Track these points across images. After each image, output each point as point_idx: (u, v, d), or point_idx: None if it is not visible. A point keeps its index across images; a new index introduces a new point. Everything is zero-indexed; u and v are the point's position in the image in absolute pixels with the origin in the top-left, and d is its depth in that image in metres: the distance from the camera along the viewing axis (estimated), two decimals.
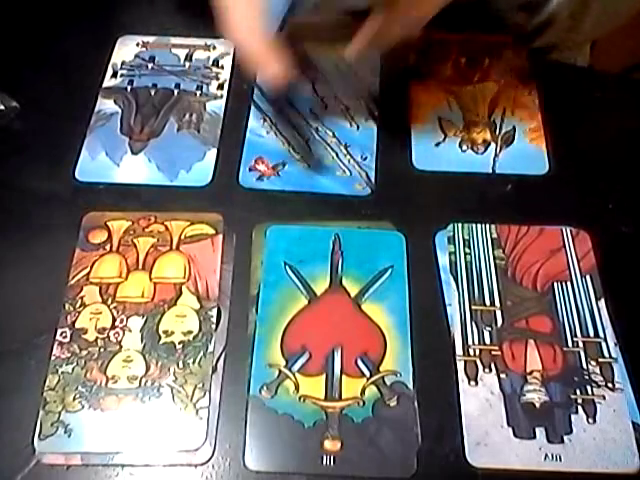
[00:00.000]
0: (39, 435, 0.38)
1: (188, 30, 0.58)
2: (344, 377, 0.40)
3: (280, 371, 0.40)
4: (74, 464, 0.38)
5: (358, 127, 0.52)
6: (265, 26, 0.41)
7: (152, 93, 0.54)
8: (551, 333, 0.42)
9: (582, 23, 0.57)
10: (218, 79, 0.55)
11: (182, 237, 0.46)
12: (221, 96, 0.54)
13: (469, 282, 0.44)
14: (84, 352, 0.41)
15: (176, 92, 0.54)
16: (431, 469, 0.38)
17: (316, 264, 0.45)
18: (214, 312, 0.43)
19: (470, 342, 0.42)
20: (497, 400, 0.40)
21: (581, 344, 0.42)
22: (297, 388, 0.40)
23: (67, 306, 0.43)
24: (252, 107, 0.53)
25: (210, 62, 0.56)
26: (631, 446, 0.38)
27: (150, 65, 0.56)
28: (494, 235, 0.46)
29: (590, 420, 0.39)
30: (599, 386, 0.40)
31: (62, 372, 0.40)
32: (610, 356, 0.41)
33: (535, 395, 0.40)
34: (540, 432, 0.39)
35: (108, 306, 0.43)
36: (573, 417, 0.39)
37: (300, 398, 0.40)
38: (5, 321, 0.43)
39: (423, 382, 0.40)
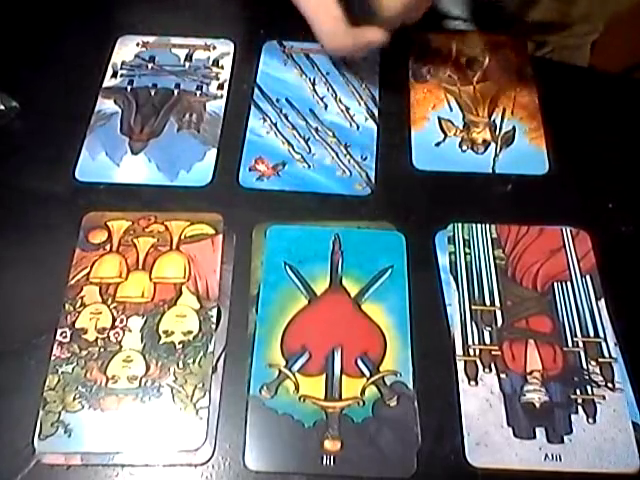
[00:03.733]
0: (39, 435, 0.38)
1: (188, 30, 0.58)
2: (344, 377, 0.40)
3: (280, 371, 0.40)
4: (74, 464, 0.38)
5: (358, 127, 0.52)
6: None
7: (152, 93, 0.54)
8: (551, 333, 0.42)
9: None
10: (218, 79, 0.55)
11: (182, 237, 0.46)
12: (221, 96, 0.54)
13: (469, 282, 0.44)
14: (84, 352, 0.41)
15: (176, 92, 0.54)
16: (431, 469, 0.38)
17: (316, 264, 0.45)
18: (214, 312, 0.43)
19: (470, 342, 0.42)
20: (497, 400, 0.40)
21: (581, 344, 0.42)
22: (297, 388, 0.40)
23: (67, 306, 0.43)
24: (252, 107, 0.53)
25: (210, 62, 0.56)
26: (631, 446, 0.38)
27: (150, 65, 0.56)
28: (494, 235, 0.46)
29: (590, 420, 0.39)
30: (599, 386, 0.40)
31: (62, 372, 0.40)
32: (610, 356, 0.41)
33: (535, 395, 0.40)
34: (540, 432, 0.39)
35: (108, 306, 0.43)
36: (573, 417, 0.39)
37: (300, 398, 0.40)
38: (5, 321, 0.43)
39: (423, 382, 0.40)
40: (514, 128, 0.52)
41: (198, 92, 0.54)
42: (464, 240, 0.46)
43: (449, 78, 0.55)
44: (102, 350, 0.41)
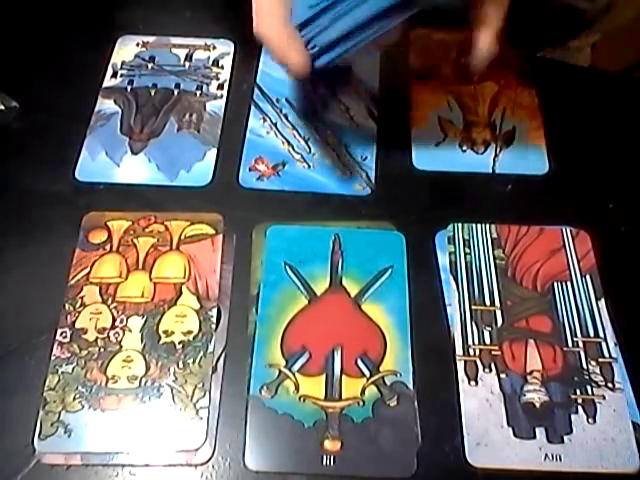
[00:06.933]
0: (39, 435, 0.38)
1: (188, 30, 0.58)
2: (344, 377, 0.40)
3: (280, 371, 0.40)
4: (74, 464, 0.38)
5: (358, 127, 0.52)
6: (289, 18, 0.41)
7: (152, 93, 0.54)
8: (551, 333, 0.42)
9: (628, 5, 0.57)
10: (218, 79, 0.55)
11: (182, 237, 0.46)
12: (221, 96, 0.54)
13: (469, 282, 0.44)
14: (84, 352, 0.41)
15: (176, 92, 0.54)
16: (431, 469, 0.38)
17: (316, 264, 0.45)
18: (214, 312, 0.43)
19: (470, 342, 0.42)
20: (497, 400, 0.40)
21: (581, 344, 0.42)
22: (297, 388, 0.40)
23: (67, 306, 0.43)
24: (252, 107, 0.53)
25: (210, 62, 0.56)
26: (631, 446, 0.38)
27: (150, 65, 0.56)
28: (494, 235, 0.46)
29: (590, 420, 0.39)
30: (599, 386, 0.40)
31: (62, 372, 0.40)
32: (610, 356, 0.41)
33: (535, 395, 0.40)
34: (540, 432, 0.39)
35: (108, 306, 0.43)
36: (573, 417, 0.39)
37: (300, 398, 0.40)
38: (5, 321, 0.43)
39: (423, 382, 0.40)
40: (514, 128, 0.52)
41: (198, 92, 0.54)
42: (464, 240, 0.46)
43: (449, 78, 0.55)
44: (102, 350, 0.41)
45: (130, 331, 0.42)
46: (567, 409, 0.39)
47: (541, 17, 0.55)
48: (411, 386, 0.40)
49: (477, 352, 0.41)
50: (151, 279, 0.44)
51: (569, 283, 0.44)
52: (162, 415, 0.39)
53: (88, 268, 0.44)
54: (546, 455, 0.38)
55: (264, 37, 0.42)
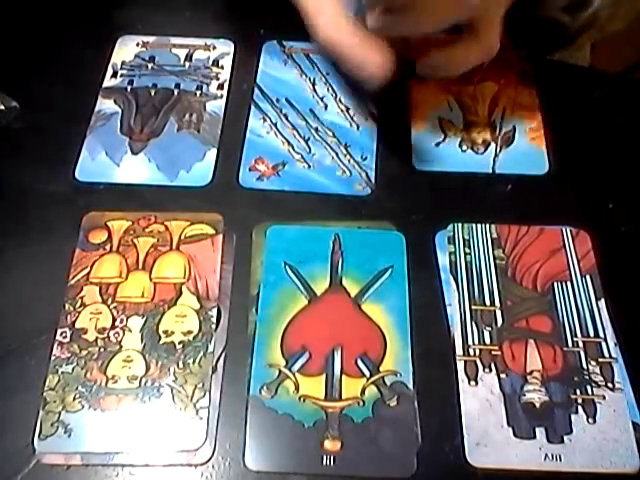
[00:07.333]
0: (39, 435, 0.38)
1: (188, 30, 0.58)
2: (344, 377, 0.40)
3: (280, 371, 0.40)
4: (74, 464, 0.38)
5: (358, 127, 0.52)
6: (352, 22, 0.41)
7: (152, 93, 0.54)
8: (551, 333, 0.42)
9: (615, 19, 0.57)
10: (218, 79, 0.55)
11: (182, 237, 0.46)
12: (221, 96, 0.54)
13: (469, 282, 0.44)
14: (84, 352, 0.41)
15: (176, 92, 0.54)
16: (431, 469, 0.38)
17: (316, 264, 0.45)
18: (214, 312, 0.43)
19: (470, 342, 0.42)
20: (497, 400, 0.40)
21: (581, 344, 0.42)
22: (297, 388, 0.40)
23: (67, 306, 0.43)
24: (252, 107, 0.53)
25: (210, 62, 0.56)
26: (631, 446, 0.38)
27: (150, 65, 0.56)
28: (494, 235, 0.46)
29: (590, 420, 0.39)
30: (599, 386, 0.40)
31: (62, 372, 0.40)
32: (610, 356, 0.41)
33: (535, 395, 0.40)
34: (540, 432, 0.39)
35: (108, 306, 0.43)
36: (573, 417, 0.39)
37: (300, 398, 0.40)
38: (5, 321, 0.43)
39: (423, 382, 0.40)
40: (514, 128, 0.52)
41: (198, 92, 0.54)
42: (464, 240, 0.46)
43: (449, 78, 0.55)
44: (102, 350, 0.41)
45: (130, 331, 0.42)
46: (567, 409, 0.39)
47: (525, 29, 0.56)
48: (411, 386, 0.40)
49: (477, 352, 0.41)
50: (151, 279, 0.44)
51: (569, 283, 0.44)
52: (162, 415, 0.39)
53: (88, 268, 0.44)
54: (546, 455, 0.38)
55: (333, 43, 0.41)
